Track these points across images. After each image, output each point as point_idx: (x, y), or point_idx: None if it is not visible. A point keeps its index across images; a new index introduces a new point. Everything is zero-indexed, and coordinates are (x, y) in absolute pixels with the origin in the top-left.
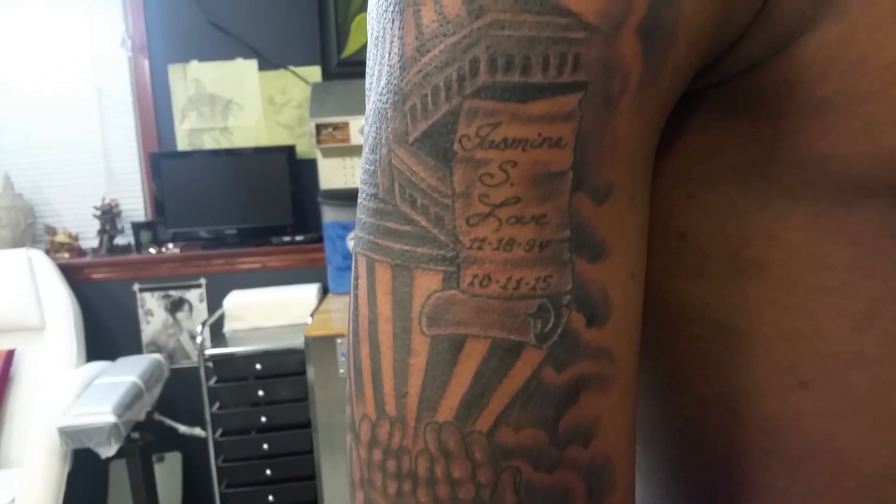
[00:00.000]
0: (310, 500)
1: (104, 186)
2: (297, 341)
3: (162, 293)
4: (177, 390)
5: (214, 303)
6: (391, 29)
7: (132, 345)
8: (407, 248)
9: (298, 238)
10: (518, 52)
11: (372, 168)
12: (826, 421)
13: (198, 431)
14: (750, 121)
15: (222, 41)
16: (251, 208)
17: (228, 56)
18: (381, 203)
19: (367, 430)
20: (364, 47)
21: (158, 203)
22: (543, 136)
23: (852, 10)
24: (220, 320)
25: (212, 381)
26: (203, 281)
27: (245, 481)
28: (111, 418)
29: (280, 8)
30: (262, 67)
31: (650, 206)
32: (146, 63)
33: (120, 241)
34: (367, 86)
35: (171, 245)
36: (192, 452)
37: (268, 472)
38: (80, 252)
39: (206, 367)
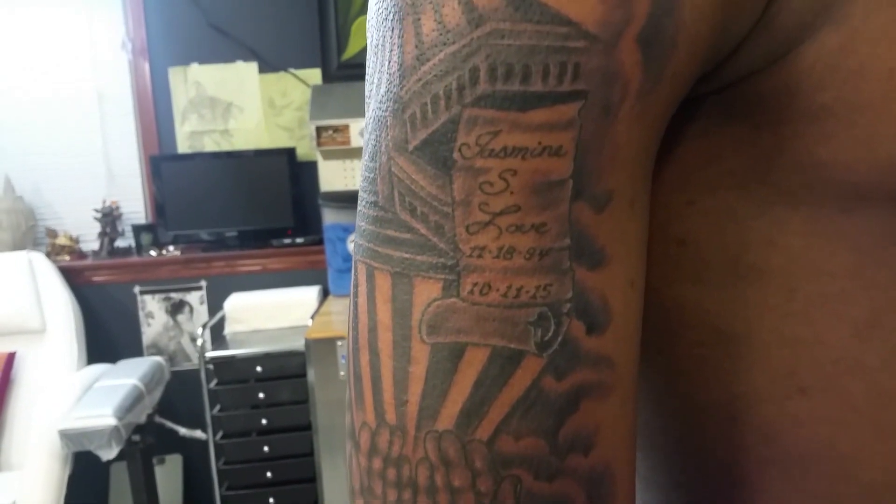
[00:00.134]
0: (310, 502)
1: (105, 189)
2: (298, 343)
3: (162, 295)
4: (177, 393)
5: (215, 305)
6: (391, 37)
7: (133, 347)
8: (407, 255)
9: (299, 240)
10: (518, 60)
11: (371, 176)
12: (826, 428)
13: (198, 434)
14: (750, 127)
15: (223, 44)
16: (252, 211)
17: (229, 59)
18: (380, 211)
19: (366, 438)
20: (365, 50)
21: (159, 205)
22: (543, 144)
23: (853, 19)
24: (221, 323)
25: (212, 384)
26: (204, 283)
27: (246, 484)
28: (112, 421)
29: (280, 10)
30: (262, 70)
31: (649, 213)
32: (146, 66)
33: (121, 243)
34: (366, 93)
35: (171, 247)
36: (193, 455)
37: (268, 474)
38: (81, 255)
39: (207, 370)
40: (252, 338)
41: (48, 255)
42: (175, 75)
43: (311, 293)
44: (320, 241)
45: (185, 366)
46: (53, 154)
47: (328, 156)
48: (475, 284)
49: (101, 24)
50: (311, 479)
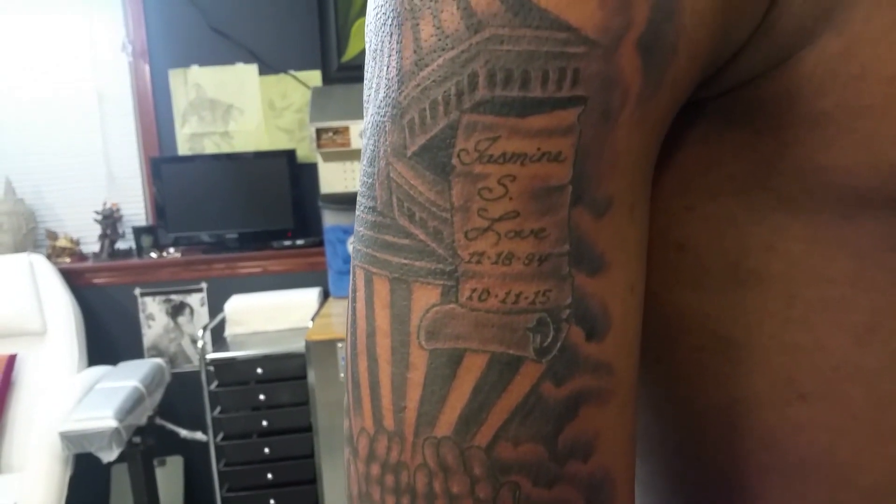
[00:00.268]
0: (311, 503)
1: (105, 191)
2: (298, 345)
3: (163, 297)
4: (178, 394)
5: (215, 307)
6: (389, 42)
7: (133, 349)
8: (405, 261)
9: (299, 242)
10: (517, 66)
11: (370, 181)
12: (826, 434)
13: (199, 435)
14: (750, 132)
15: (223, 46)
16: (252, 212)
17: (229, 60)
18: (379, 216)
19: (365, 444)
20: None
21: (159, 207)
22: (542, 150)
23: (853, 24)
24: (222, 324)
25: (213, 385)
26: (204, 285)
27: (246, 485)
28: (112, 423)
29: (280, 12)
30: (262, 72)
31: (649, 218)
32: (147, 68)
33: (121, 245)
34: (365, 98)
35: (172, 249)
36: (194, 456)
37: (269, 475)
38: (82, 257)
39: (208, 371)
40: (252, 339)
41: (49, 257)
42: (175, 77)
43: (311, 295)
44: (320, 243)
45: (186, 367)
46: (54, 156)
47: (328, 157)
48: (474, 290)
49: (101, 26)
50: (311, 481)
